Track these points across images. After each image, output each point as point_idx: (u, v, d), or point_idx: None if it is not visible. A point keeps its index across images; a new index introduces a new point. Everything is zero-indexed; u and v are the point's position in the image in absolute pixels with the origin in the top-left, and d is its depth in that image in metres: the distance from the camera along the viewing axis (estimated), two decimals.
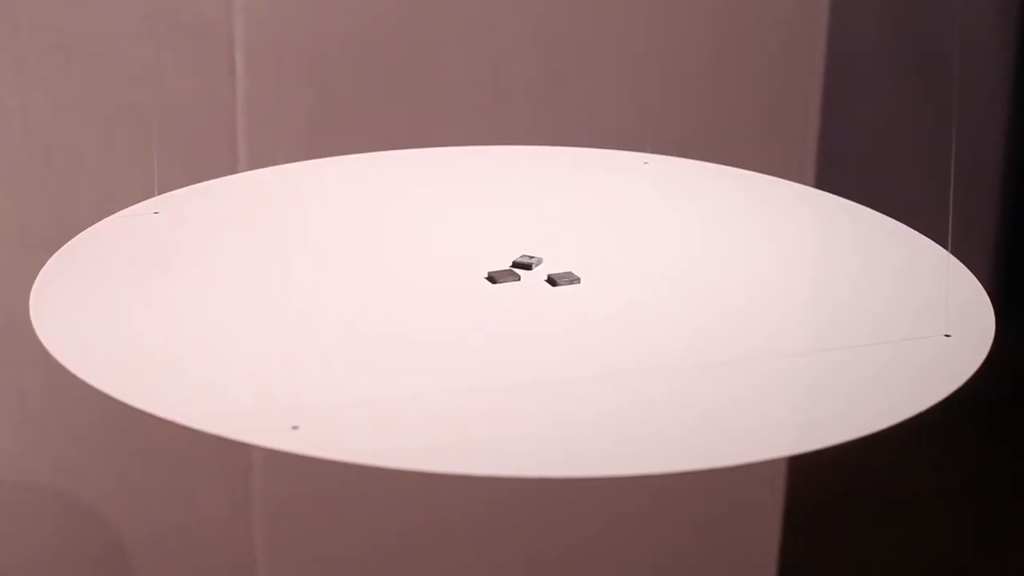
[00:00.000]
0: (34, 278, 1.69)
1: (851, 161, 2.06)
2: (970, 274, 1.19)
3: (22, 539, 1.90)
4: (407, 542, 2.04)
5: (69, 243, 1.24)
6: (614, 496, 2.03)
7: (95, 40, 1.74)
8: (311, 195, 1.39)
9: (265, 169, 1.50)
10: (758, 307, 1.16)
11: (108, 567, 1.94)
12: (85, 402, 1.84)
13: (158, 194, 1.35)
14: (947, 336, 1.07)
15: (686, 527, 2.13)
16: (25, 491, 1.88)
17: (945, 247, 1.24)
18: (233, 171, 1.79)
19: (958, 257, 1.22)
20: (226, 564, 1.98)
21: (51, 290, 1.15)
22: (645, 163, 1.47)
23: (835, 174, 2.02)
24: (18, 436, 1.85)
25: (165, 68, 1.77)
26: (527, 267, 1.18)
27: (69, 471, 1.88)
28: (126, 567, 1.94)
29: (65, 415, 1.85)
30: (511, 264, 1.19)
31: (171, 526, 1.94)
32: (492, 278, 1.16)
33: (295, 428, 0.93)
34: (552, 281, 1.16)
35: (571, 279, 1.16)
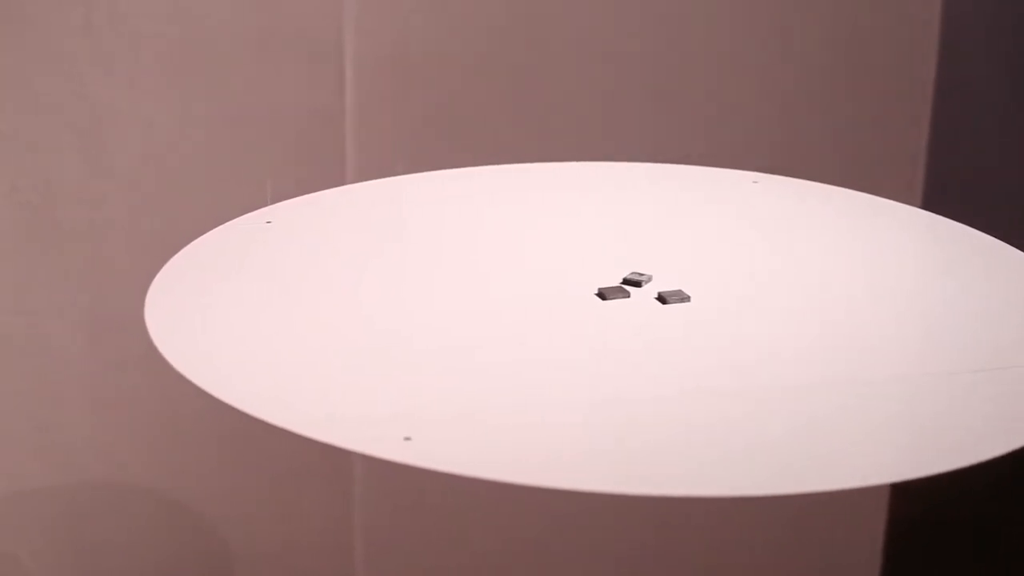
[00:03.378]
0: (149, 283, 1.73)
1: (960, 182, 2.04)
2: None
3: (128, 542, 1.92)
4: (507, 556, 2.04)
5: (183, 250, 1.26)
6: (715, 515, 2.02)
7: (210, 52, 1.76)
8: (420, 207, 1.40)
9: (373, 182, 1.51)
10: (869, 329, 1.15)
11: (210, 572, 1.96)
12: (194, 407, 1.86)
13: (271, 204, 1.37)
14: None
15: (787, 545, 2.11)
16: (132, 494, 1.90)
17: None
18: (341, 183, 1.81)
19: None
20: (326, 574, 1.99)
21: (166, 295, 1.16)
22: (755, 182, 1.46)
23: (943, 195, 2.00)
24: (127, 440, 1.87)
25: (277, 81, 1.79)
26: (637, 284, 1.18)
27: (176, 475, 1.91)
28: (227, 569, 1.96)
29: (174, 420, 1.87)
30: (621, 281, 1.19)
31: (273, 533, 1.95)
32: (602, 294, 1.16)
33: (407, 439, 0.94)
34: (662, 299, 1.16)
35: (681, 297, 1.16)
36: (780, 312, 1.17)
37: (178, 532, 1.94)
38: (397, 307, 1.16)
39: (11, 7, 1.69)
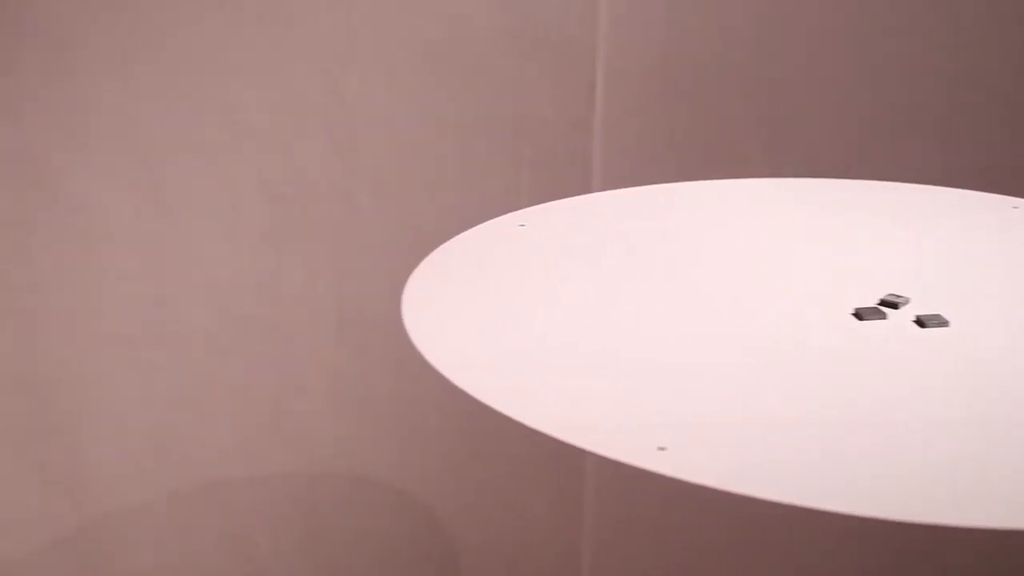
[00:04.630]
0: (395, 280, 1.76)
1: None
2: None
3: (360, 532, 1.96)
4: (735, 568, 2.02)
5: (439, 248, 1.27)
6: (944, 543, 1.98)
7: (464, 55, 1.78)
8: (668, 218, 1.40)
9: (622, 190, 1.51)
10: None
11: (436, 564, 1.99)
12: (433, 404, 1.89)
13: (525, 207, 1.38)
14: None
15: None
16: (367, 486, 1.93)
17: None
18: (587, 189, 1.82)
19: None
20: (552, 574, 2.00)
21: (423, 293, 1.18)
22: (1015, 207, 1.42)
23: None
24: (367, 433, 1.91)
25: (529, 86, 1.81)
26: (894, 306, 1.16)
27: (411, 470, 1.93)
28: (454, 566, 1.98)
29: (412, 415, 1.91)
30: (878, 302, 1.17)
31: (502, 531, 1.97)
32: (859, 314, 1.14)
33: (662, 449, 0.93)
34: (920, 322, 1.13)
35: (940, 322, 1.13)
36: None
37: (409, 525, 1.97)
38: (650, 317, 1.15)
39: (277, 8, 1.73)
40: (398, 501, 1.95)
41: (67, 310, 1.80)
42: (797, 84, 1.85)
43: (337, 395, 1.89)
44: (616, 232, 1.36)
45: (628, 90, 1.82)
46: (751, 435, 0.98)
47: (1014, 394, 1.05)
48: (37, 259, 1.77)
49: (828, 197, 1.46)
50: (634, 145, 1.83)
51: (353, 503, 1.95)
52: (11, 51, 1.70)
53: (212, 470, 1.91)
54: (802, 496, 0.91)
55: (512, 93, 1.81)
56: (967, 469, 0.94)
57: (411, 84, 1.79)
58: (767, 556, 2.00)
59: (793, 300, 1.18)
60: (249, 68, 1.76)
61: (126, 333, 1.82)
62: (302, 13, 1.74)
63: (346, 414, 1.90)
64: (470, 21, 1.78)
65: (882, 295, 1.18)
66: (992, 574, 2.02)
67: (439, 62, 1.79)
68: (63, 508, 1.88)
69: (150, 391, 1.86)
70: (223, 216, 1.80)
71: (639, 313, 1.16)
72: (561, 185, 1.82)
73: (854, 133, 1.87)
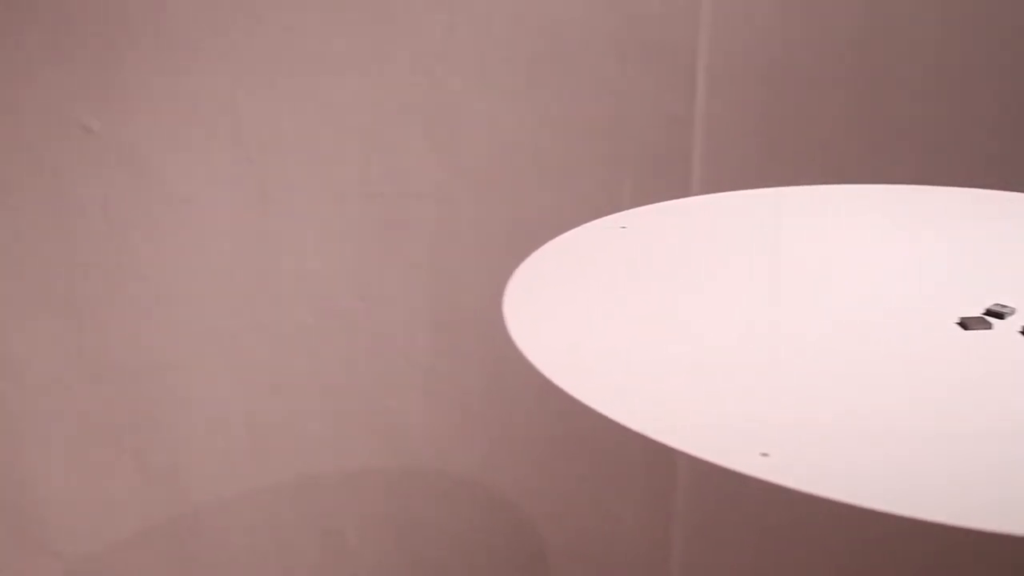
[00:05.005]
0: (492, 280, 1.76)
1: None
2: None
3: (448, 528, 1.97)
4: (830, 574, 2.01)
5: (541, 248, 1.28)
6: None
7: (564, 55, 1.78)
8: (766, 222, 1.39)
9: (723, 194, 1.51)
10: None
11: (524, 563, 1.99)
12: (526, 404, 1.89)
13: (627, 208, 1.38)
14: None
15: None
16: (456, 483, 1.94)
17: None
18: (686, 191, 1.81)
19: None
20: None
21: (525, 292, 1.18)
22: None
23: None
24: (458, 430, 1.92)
25: (629, 86, 1.80)
26: (1000, 316, 1.15)
27: (500, 468, 1.94)
28: (543, 566, 1.98)
29: (504, 414, 1.91)
30: (984, 311, 1.15)
31: (590, 533, 1.97)
32: (964, 324, 1.13)
33: (764, 455, 0.93)
34: None
35: None
36: None
37: (498, 524, 1.97)
38: (752, 322, 1.15)
39: (379, 7, 1.75)
40: (488, 499, 1.96)
41: (169, 301, 1.82)
42: (904, 86, 1.83)
43: (431, 392, 1.90)
44: (718, 236, 1.36)
45: (729, 91, 1.81)
46: (856, 443, 0.97)
47: None
48: (142, 250, 1.80)
49: (934, 204, 1.45)
50: (735, 147, 1.83)
51: (444, 500, 1.95)
52: (121, 47, 1.72)
53: (306, 464, 1.93)
54: (907, 506, 0.90)
55: (613, 93, 1.81)
56: None
57: (512, 84, 1.79)
58: (864, 563, 1.99)
59: (897, 308, 1.18)
60: (352, 66, 1.77)
61: (226, 325, 1.85)
62: (404, 12, 1.75)
63: (439, 411, 1.91)
64: (572, 21, 1.78)
65: (988, 305, 1.17)
66: None
67: (540, 62, 1.79)
68: (159, 497, 1.90)
69: (247, 384, 1.88)
70: (324, 212, 1.81)
71: (740, 317, 1.16)
72: (661, 187, 1.82)
73: (965, 139, 1.85)
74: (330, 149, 1.79)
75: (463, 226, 1.83)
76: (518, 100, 1.80)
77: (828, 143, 1.84)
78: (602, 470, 1.94)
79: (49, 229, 1.78)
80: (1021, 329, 1.13)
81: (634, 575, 2.00)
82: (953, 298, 1.19)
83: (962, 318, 1.14)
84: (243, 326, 1.85)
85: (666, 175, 1.82)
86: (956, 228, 1.39)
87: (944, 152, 1.85)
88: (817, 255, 1.30)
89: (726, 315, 1.16)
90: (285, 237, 1.82)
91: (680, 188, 1.82)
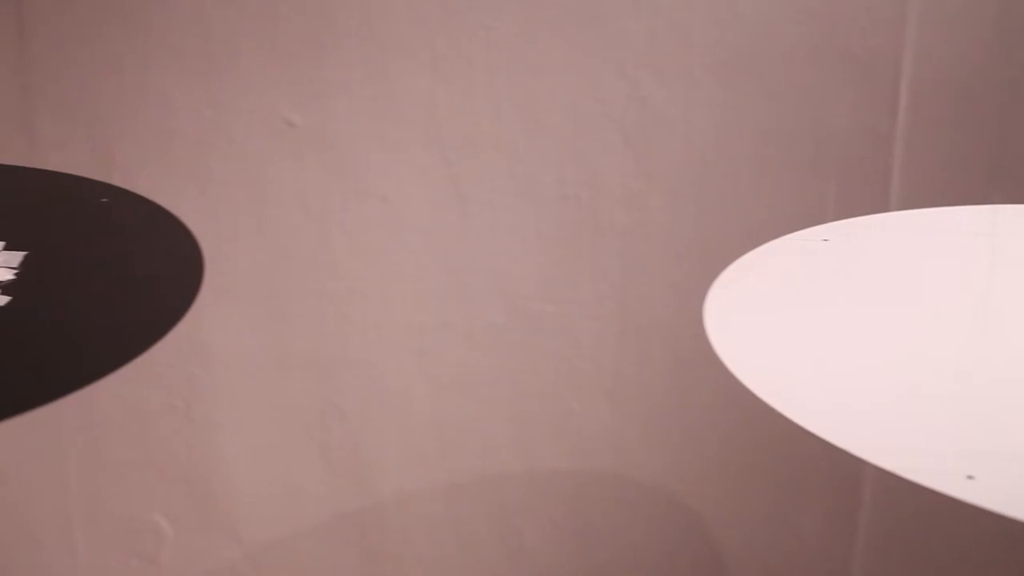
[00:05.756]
0: (681, 286, 1.75)
1: None
2: None
3: (625, 531, 1.96)
4: None
5: (742, 258, 1.27)
6: None
7: (764, 63, 1.77)
8: (971, 241, 1.36)
9: (930, 210, 1.48)
10: None
11: (703, 573, 1.98)
12: (710, 412, 1.88)
13: (829, 220, 1.36)
14: None
15: None
16: (637, 487, 1.94)
17: None
18: (885, 203, 1.79)
19: None
20: None
21: (725, 302, 1.18)
22: None
23: None
24: (641, 435, 1.91)
25: (829, 97, 1.78)
26: None
27: (682, 474, 1.93)
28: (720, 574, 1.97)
29: (688, 421, 1.90)
30: None
31: (771, 546, 1.95)
32: None
33: (970, 478, 0.91)
34: None
35: None
36: None
37: (676, 530, 1.97)
38: (960, 342, 1.13)
39: (580, 10, 1.75)
40: (669, 507, 1.95)
41: (363, 296, 1.85)
42: None
43: (615, 396, 1.90)
44: (921, 254, 1.34)
45: (933, 104, 1.78)
46: None
47: None
48: (338, 246, 1.83)
49: None
50: (936, 161, 1.79)
51: (624, 506, 1.95)
52: (327, 45, 1.76)
53: (488, 462, 1.94)
54: None
55: (813, 103, 1.78)
56: None
57: (711, 91, 1.78)
58: None
59: None
60: (550, 68, 1.78)
61: (417, 321, 1.87)
62: (606, 16, 1.76)
63: (623, 417, 1.91)
64: (773, 30, 1.76)
65: None
66: None
67: (740, 70, 1.78)
68: (344, 488, 1.93)
69: (435, 380, 1.90)
70: (517, 213, 1.82)
71: (949, 338, 1.14)
72: (859, 200, 1.79)
73: None
74: (526, 151, 1.80)
75: (656, 233, 1.82)
76: (717, 108, 1.79)
77: None
78: (786, 481, 1.92)
79: (248, 219, 1.82)
80: None
81: None
82: None
83: None
84: (433, 324, 1.87)
85: (865, 189, 1.80)
86: None
87: None
88: (1020, 277, 1.27)
89: (933, 335, 1.14)
90: (479, 237, 1.83)
91: (879, 202, 1.79)
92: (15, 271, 1.15)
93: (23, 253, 1.18)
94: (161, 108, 1.77)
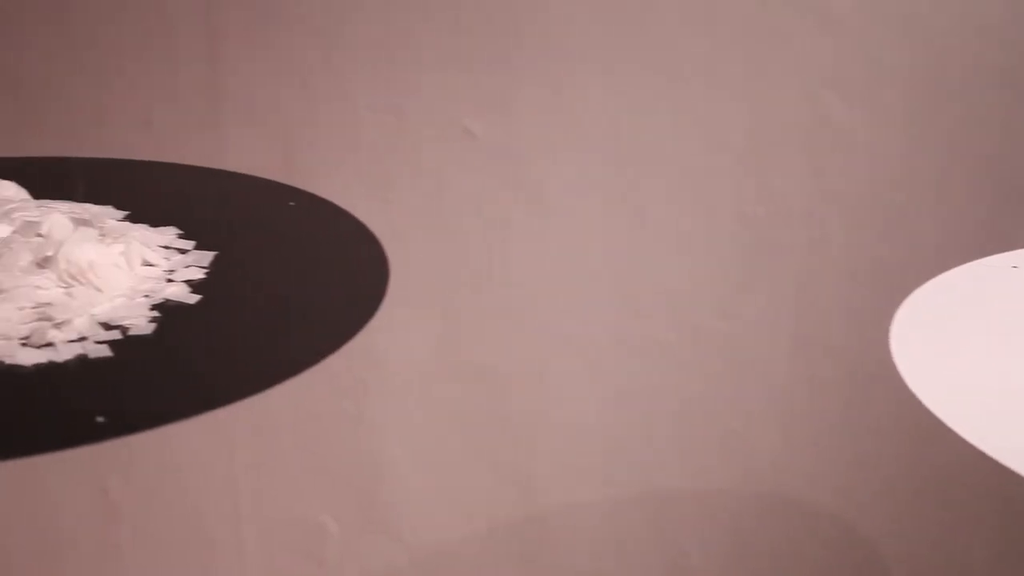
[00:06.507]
0: (855, 308, 1.72)
1: None
2: None
3: (791, 555, 1.94)
4: None
5: (928, 283, 1.25)
6: None
7: (947, 83, 1.74)
8: None
9: None
10: None
11: None
12: (887, 436, 1.85)
13: (1022, 248, 1.33)
14: None
15: None
16: (804, 510, 1.91)
17: None
18: None
19: None
20: None
21: (914, 329, 1.16)
22: None
23: None
24: (812, 457, 1.89)
25: (1010, 116, 1.74)
26: None
27: (853, 501, 1.90)
28: None
29: (863, 446, 1.87)
30: None
31: (939, 565, 1.91)
32: None
33: None
34: None
35: None
36: None
37: (844, 557, 1.94)
38: None
39: (763, 26, 1.74)
40: (838, 533, 1.92)
41: (534, 307, 1.86)
42: None
43: (785, 418, 1.88)
44: None
45: None
46: None
47: None
48: (512, 254, 1.83)
49: None
50: None
51: (792, 531, 1.93)
52: (508, 56, 1.76)
53: (652, 478, 1.93)
54: None
55: (1000, 128, 1.75)
56: None
57: (896, 112, 1.75)
58: None
59: None
60: (731, 85, 1.76)
61: (587, 334, 1.87)
62: (789, 32, 1.74)
63: (794, 439, 1.88)
64: (961, 51, 1.73)
65: None
66: None
67: (926, 91, 1.75)
68: (509, 497, 1.94)
69: (602, 394, 1.89)
70: (693, 229, 1.81)
71: None
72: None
73: None
74: (705, 167, 1.79)
75: (834, 254, 1.80)
76: (901, 128, 1.76)
77: None
78: (959, 513, 1.88)
79: (425, 226, 1.84)
80: None
81: None
82: None
83: None
84: (603, 337, 1.87)
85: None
86: None
87: None
88: None
89: None
90: (652, 251, 1.83)
91: None
92: (206, 271, 1.17)
93: (213, 253, 1.20)
94: (346, 115, 1.79)
